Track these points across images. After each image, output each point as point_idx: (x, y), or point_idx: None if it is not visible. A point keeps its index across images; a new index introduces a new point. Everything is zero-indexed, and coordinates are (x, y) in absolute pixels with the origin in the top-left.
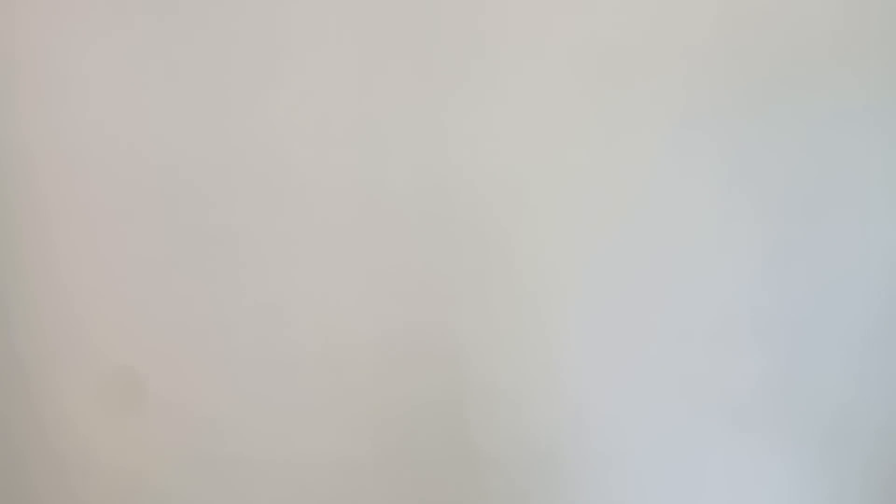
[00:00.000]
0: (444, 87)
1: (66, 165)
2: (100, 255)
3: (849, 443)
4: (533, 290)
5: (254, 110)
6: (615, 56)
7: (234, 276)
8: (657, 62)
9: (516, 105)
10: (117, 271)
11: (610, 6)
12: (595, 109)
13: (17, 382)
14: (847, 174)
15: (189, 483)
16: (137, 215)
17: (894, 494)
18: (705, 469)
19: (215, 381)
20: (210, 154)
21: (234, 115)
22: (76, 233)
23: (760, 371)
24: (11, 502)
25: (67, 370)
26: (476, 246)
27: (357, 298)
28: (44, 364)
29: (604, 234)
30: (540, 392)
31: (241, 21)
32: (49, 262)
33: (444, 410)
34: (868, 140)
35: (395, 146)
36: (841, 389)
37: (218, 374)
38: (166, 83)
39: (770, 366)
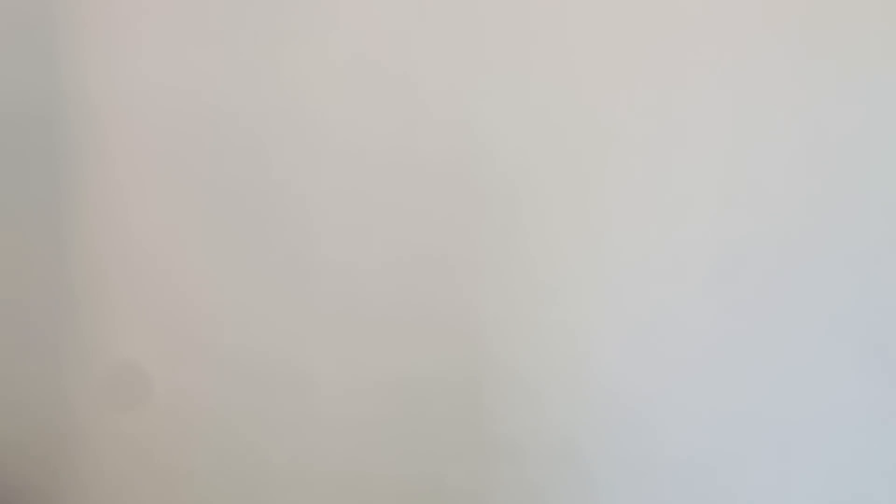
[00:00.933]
0: (480, 51)
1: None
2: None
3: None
4: (559, 273)
5: (290, 68)
6: (653, 28)
7: (256, 231)
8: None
9: (554, 74)
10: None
11: None
12: (628, 80)
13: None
14: None
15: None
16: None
17: None
18: (732, 466)
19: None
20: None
21: (267, 71)
22: (136, 181)
23: (798, 376)
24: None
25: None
26: (503, 223)
27: (377, 268)
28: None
29: (633, 220)
30: (561, 379)
31: None
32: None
33: (459, 390)
34: None
35: (429, 116)
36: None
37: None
38: (215, 49)
39: (815, 376)
